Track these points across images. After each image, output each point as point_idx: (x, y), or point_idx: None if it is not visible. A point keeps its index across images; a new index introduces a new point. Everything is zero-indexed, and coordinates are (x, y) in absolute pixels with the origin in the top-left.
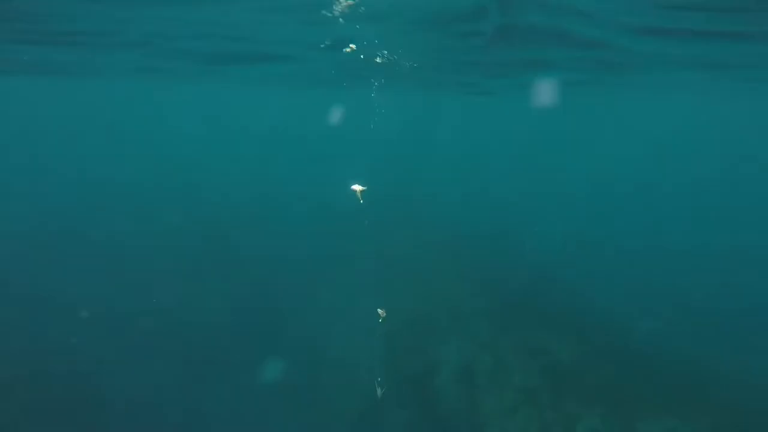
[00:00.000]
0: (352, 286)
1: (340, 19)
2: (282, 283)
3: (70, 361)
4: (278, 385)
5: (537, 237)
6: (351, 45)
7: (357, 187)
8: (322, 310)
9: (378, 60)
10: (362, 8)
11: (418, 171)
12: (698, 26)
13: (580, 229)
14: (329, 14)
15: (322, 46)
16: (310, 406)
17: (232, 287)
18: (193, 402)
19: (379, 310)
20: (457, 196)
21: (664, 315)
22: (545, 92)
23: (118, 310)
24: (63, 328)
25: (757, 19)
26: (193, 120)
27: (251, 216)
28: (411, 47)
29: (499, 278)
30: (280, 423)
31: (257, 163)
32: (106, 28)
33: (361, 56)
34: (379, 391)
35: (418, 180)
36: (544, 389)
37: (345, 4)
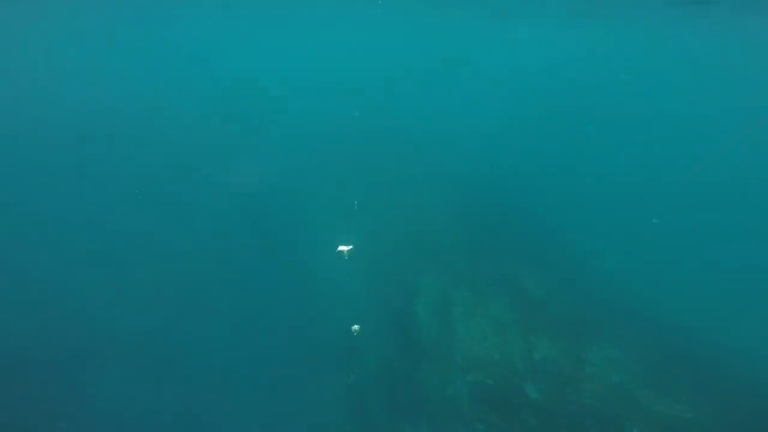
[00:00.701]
0: (341, 219)
1: None
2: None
3: None
4: (268, 320)
5: (516, 176)
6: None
7: (343, 248)
8: (310, 241)
9: None
10: None
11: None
12: None
13: (558, 168)
14: None
15: None
16: (297, 339)
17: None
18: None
19: (353, 327)
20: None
21: (621, 254)
22: None
23: None
24: None
25: None
26: None
27: None
28: None
29: (480, 214)
30: (268, 358)
31: None
32: None
33: None
34: (351, 378)
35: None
36: (512, 321)
37: None
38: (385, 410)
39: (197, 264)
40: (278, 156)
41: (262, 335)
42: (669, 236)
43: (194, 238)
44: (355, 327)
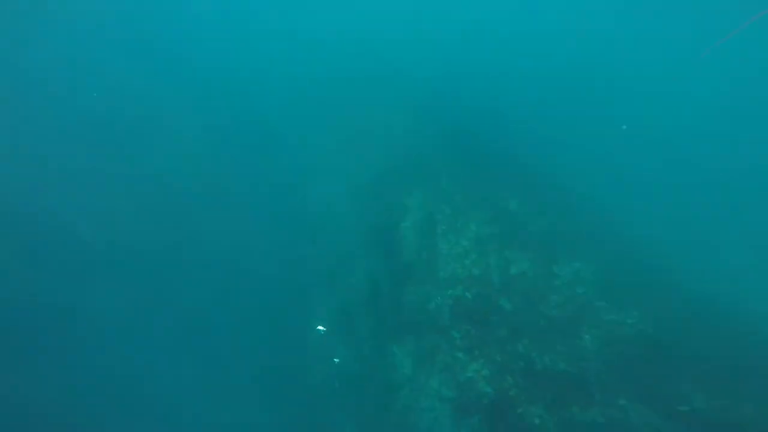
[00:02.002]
0: (327, 143)
1: None
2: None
3: None
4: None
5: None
6: None
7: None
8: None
9: None
10: None
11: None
12: None
13: (541, 88)
14: None
15: None
16: (282, 256)
17: None
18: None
19: (319, 327)
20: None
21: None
22: None
23: None
24: None
25: None
26: None
27: None
28: None
29: (464, 137)
30: (262, 272)
31: None
32: None
33: None
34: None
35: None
36: (492, 238)
37: None
38: (371, 326)
39: None
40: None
41: (249, 256)
42: (640, 145)
43: None
44: (321, 328)
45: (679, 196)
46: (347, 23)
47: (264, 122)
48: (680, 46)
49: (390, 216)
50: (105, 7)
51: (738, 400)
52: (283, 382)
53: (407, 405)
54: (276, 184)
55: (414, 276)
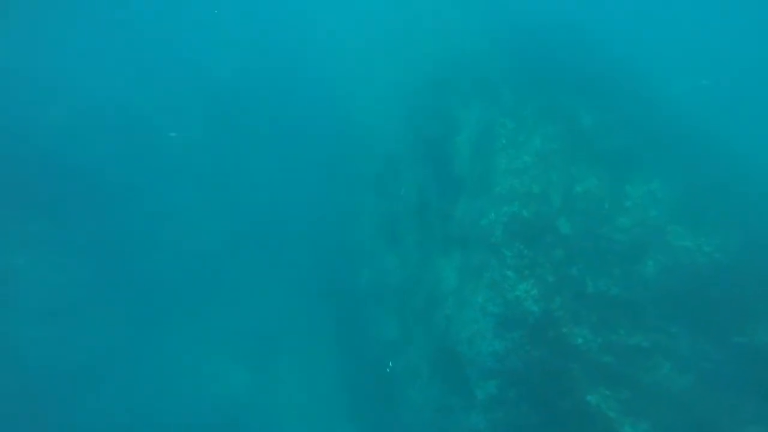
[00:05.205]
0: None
1: None
2: None
3: None
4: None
5: None
6: None
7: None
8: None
9: None
10: None
11: None
12: None
13: None
14: None
15: None
16: (334, 166)
17: None
18: None
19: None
20: None
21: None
22: None
23: None
24: None
25: None
26: None
27: None
28: None
29: (531, 39)
30: (306, 181)
31: None
32: None
33: None
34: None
35: None
36: (557, 152)
37: None
38: (418, 238)
39: None
40: None
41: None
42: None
43: None
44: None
45: None
46: None
47: (311, 20)
48: None
49: (443, 128)
50: None
51: None
52: (332, 284)
53: (450, 315)
54: (319, 85)
55: (467, 190)
